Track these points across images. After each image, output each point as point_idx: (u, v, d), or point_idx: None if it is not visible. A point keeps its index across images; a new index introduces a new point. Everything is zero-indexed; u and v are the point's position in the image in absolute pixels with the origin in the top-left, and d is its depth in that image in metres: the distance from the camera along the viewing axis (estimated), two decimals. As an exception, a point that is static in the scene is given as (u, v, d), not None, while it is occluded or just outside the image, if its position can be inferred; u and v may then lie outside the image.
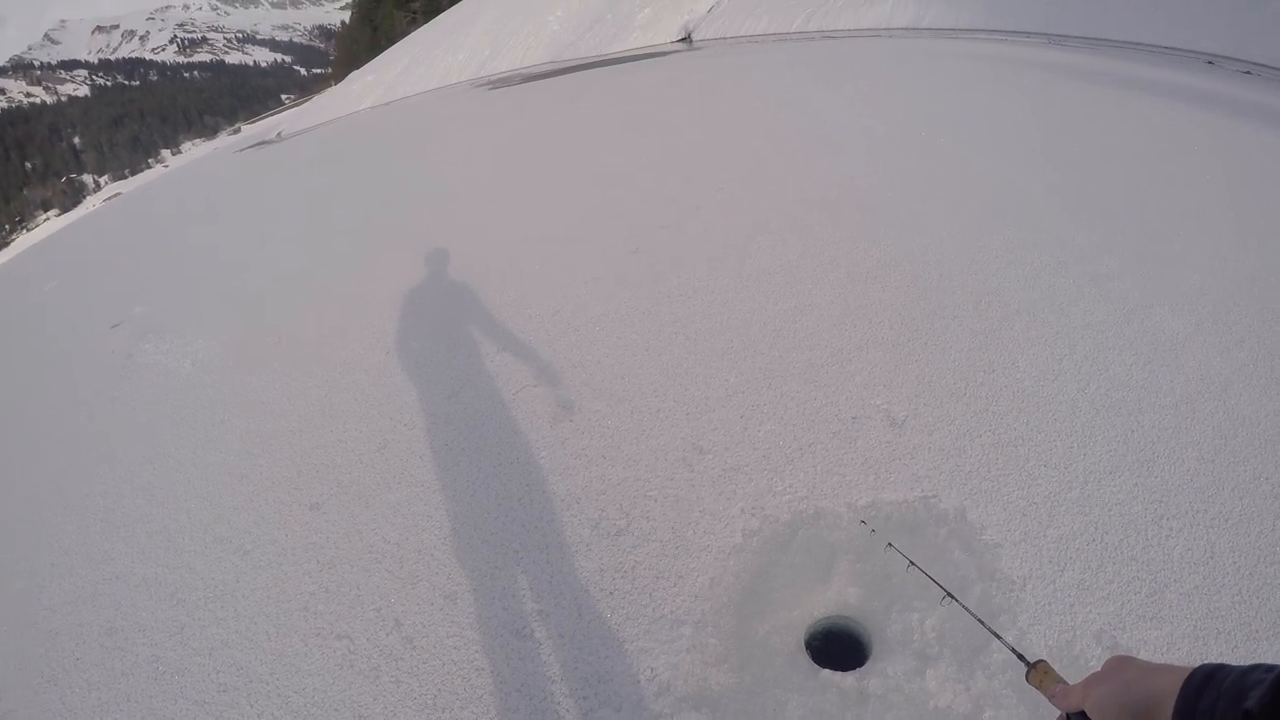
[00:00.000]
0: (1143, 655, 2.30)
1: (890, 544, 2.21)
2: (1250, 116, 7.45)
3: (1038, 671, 1.09)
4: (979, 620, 1.58)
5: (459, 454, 4.09)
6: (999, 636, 1.44)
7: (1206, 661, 0.73)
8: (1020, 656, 1.23)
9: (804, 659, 2.67)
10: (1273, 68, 9.63)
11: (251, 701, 2.92)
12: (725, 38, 19.61)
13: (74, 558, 4.05)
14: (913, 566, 1.97)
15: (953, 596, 1.71)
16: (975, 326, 4.36)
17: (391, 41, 41.07)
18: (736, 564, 3.06)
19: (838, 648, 2.74)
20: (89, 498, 4.59)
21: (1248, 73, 9.82)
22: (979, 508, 3.11)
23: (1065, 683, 0.99)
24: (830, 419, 3.80)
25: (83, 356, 7.06)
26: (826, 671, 2.59)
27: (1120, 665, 0.84)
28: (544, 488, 3.68)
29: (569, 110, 14.11)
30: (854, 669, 2.60)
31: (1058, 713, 0.96)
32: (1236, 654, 2.40)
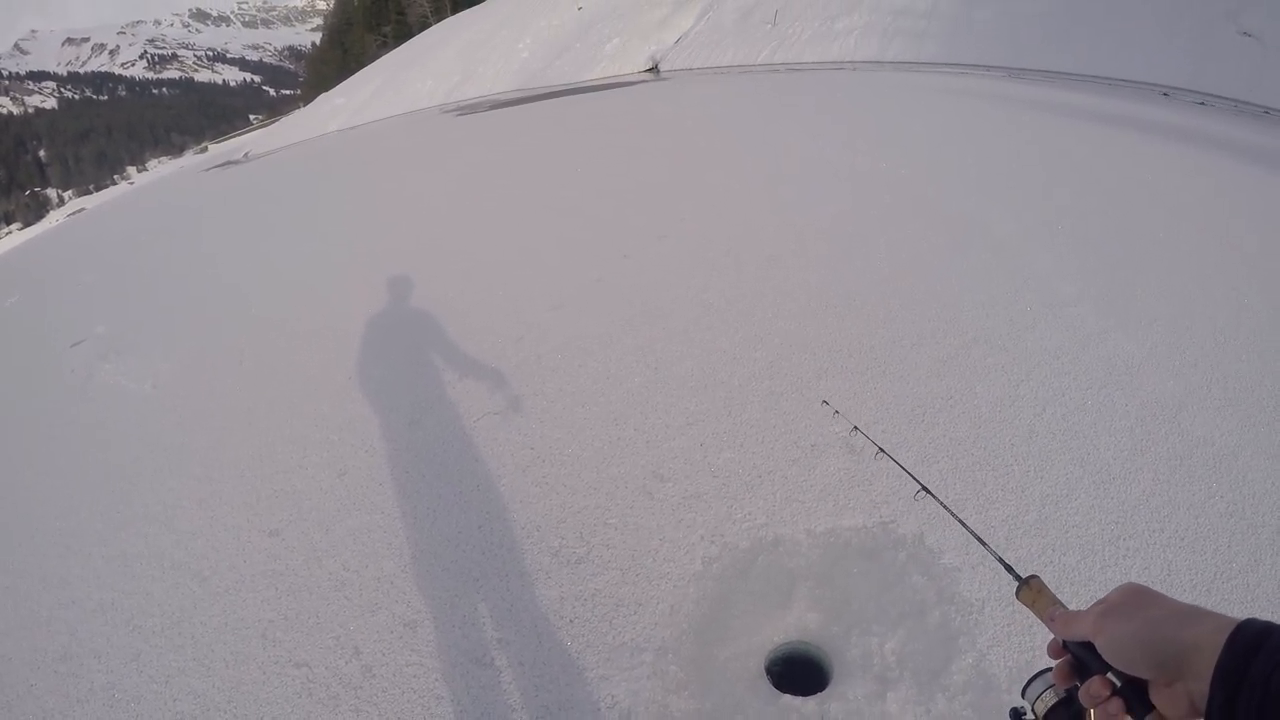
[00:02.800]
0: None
1: (856, 428, 2.17)
2: (1205, 145, 7.66)
3: (1030, 589, 1.01)
4: (961, 522, 1.47)
5: (419, 481, 4.04)
6: (985, 544, 1.36)
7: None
8: (1010, 569, 1.16)
9: (765, 685, 2.65)
10: (1226, 98, 9.91)
11: (207, 731, 2.86)
12: (692, 69, 19.80)
13: (28, 582, 3.93)
14: (882, 453, 1.93)
15: (927, 490, 1.62)
16: (934, 354, 4.39)
17: (361, 65, 41.04)
18: (697, 591, 3.04)
19: (799, 673, 2.72)
20: (44, 520, 4.47)
21: (1202, 103, 10.10)
22: (936, 532, 3.11)
23: (1063, 606, 0.91)
24: (789, 446, 3.80)
25: (41, 375, 6.90)
26: (787, 697, 2.57)
27: (1141, 598, 0.75)
28: (504, 515, 3.64)
29: (535, 138, 14.17)
30: (815, 694, 2.58)
31: (1048, 637, 0.85)
32: None
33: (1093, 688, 0.75)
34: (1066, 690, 0.85)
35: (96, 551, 4.05)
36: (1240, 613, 0.66)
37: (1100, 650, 0.75)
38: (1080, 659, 0.80)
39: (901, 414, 3.92)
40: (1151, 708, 0.70)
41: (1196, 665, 0.65)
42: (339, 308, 6.78)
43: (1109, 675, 0.75)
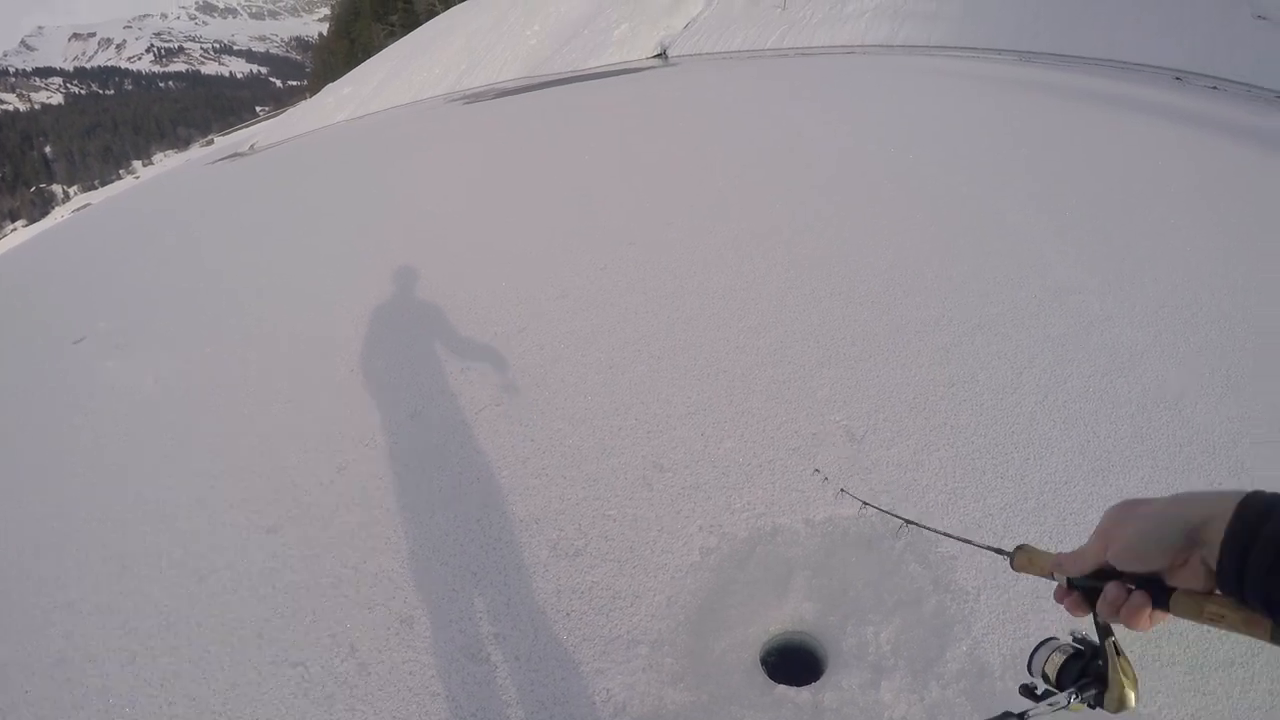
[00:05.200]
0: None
1: (844, 490, 2.20)
2: (1216, 130, 7.60)
3: (1023, 554, 1.02)
4: (946, 534, 1.49)
5: (419, 475, 4.07)
6: (971, 542, 1.36)
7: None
8: (998, 550, 1.17)
9: (760, 675, 2.67)
10: (1238, 82, 9.81)
11: (203, 732, 2.90)
12: (701, 54, 19.75)
13: (24, 585, 3.95)
14: (868, 506, 1.95)
15: (913, 522, 1.65)
16: (936, 342, 4.40)
17: (369, 54, 41.05)
18: (694, 582, 3.06)
19: (794, 663, 2.75)
20: (41, 520, 4.48)
21: (1214, 88, 10.00)
22: (934, 520, 3.12)
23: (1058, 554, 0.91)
24: (790, 435, 3.82)
25: (42, 373, 6.95)
26: (782, 687, 2.60)
27: (1133, 504, 0.77)
28: (503, 508, 3.67)
29: (541, 127, 14.13)
30: (809, 684, 2.61)
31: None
32: (1189, 653, 2.44)
33: (1109, 594, 0.77)
34: (1073, 645, 0.91)
35: (94, 553, 4.07)
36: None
37: (1113, 560, 0.77)
38: (1090, 588, 0.82)
39: (903, 402, 3.93)
40: (1172, 590, 0.72)
41: (1209, 535, 0.67)
42: (340, 300, 6.78)
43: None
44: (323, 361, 5.66)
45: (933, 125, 8.98)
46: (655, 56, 20.86)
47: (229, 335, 6.69)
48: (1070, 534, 2.97)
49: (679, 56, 20.30)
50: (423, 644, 3.01)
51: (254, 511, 4.07)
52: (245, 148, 28.19)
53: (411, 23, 46.18)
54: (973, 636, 2.63)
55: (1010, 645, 2.58)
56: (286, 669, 3.04)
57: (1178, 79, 10.57)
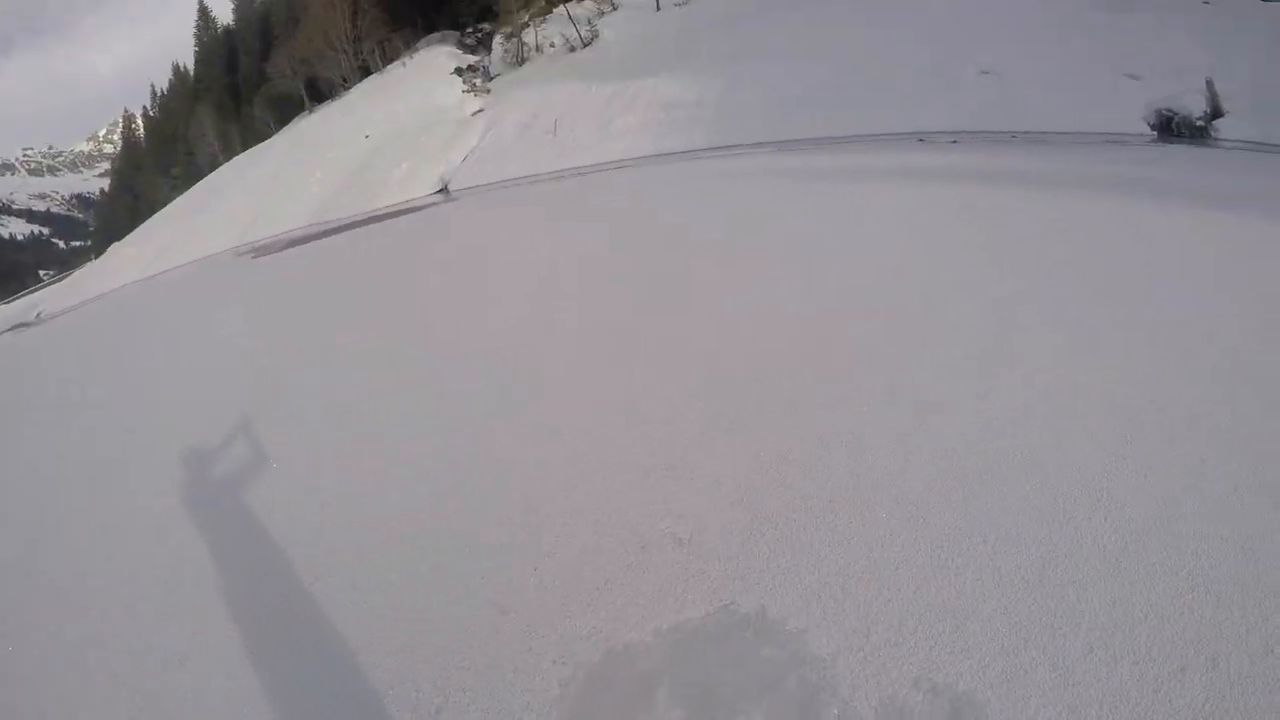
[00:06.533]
0: (958, 686, 2.68)
1: None
2: (955, 179, 8.91)
3: None
4: None
5: (268, 660, 3.86)
6: None
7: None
8: None
9: None
10: (974, 131, 11.50)
11: None
12: (479, 185, 20.46)
13: None
14: None
15: None
16: (754, 436, 4.70)
17: (153, 209, 39.95)
18: (559, 715, 3.05)
19: None
20: None
21: (954, 141, 11.61)
22: (777, 603, 3.30)
23: None
24: (621, 551, 3.94)
25: None
26: None
27: None
28: (361, 678, 3.55)
29: (325, 273, 14.20)
30: None
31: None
32: (1047, 657, 2.76)
33: None
34: None
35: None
36: None
37: None
38: None
39: (722, 496, 4.14)
40: None
41: None
42: (148, 476, 6.41)
43: None
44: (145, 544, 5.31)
45: (693, 221, 9.86)
46: (437, 191, 21.47)
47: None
48: (905, 584, 3.17)
49: (460, 189, 20.90)
50: None
51: None
52: (31, 316, 26.73)
53: (194, 174, 45.34)
54: (840, 699, 2.77)
55: (879, 695, 2.75)
56: None
57: (921, 140, 12.13)
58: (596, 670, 3.21)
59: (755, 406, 5.01)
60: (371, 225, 18.74)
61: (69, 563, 5.39)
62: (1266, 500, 3.31)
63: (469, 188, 20.65)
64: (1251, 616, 2.78)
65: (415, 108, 28.19)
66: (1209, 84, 10.98)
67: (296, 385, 7.99)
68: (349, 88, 39.68)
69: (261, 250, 20.80)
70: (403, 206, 20.67)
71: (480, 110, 25.68)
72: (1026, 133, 11.58)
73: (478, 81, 28.42)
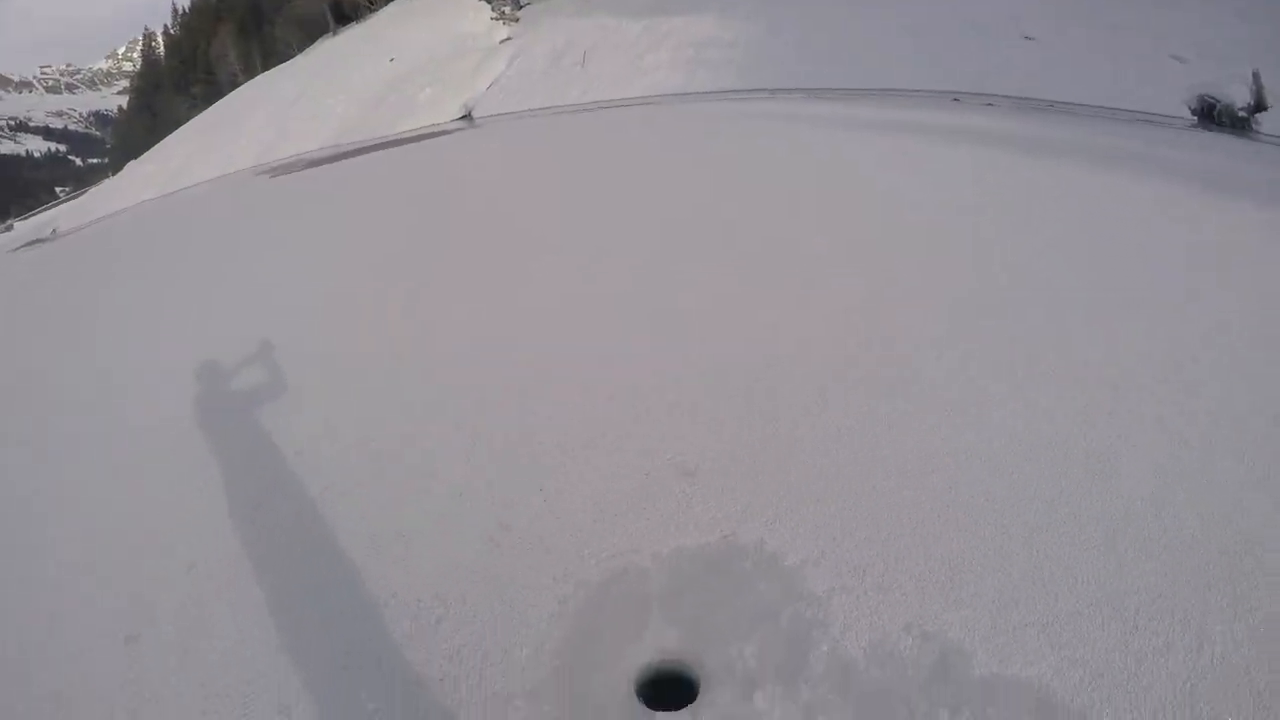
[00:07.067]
0: (948, 635, 2.70)
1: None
2: (990, 142, 8.62)
3: None
4: None
5: (271, 566, 3.92)
6: None
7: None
8: None
9: (637, 707, 2.73)
10: (1011, 96, 11.27)
11: None
12: (504, 114, 20.13)
13: None
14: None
15: None
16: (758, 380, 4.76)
17: (172, 128, 39.63)
18: (557, 630, 3.09)
19: (668, 689, 2.82)
20: None
21: (989, 104, 11.40)
22: (777, 537, 3.32)
23: None
24: (626, 477, 3.98)
25: None
26: (661, 714, 2.68)
27: None
28: (361, 588, 3.60)
29: (346, 201, 13.89)
30: (687, 706, 2.69)
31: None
32: (1037, 618, 2.77)
33: None
34: None
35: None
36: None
37: None
38: None
39: (729, 434, 4.23)
40: None
41: None
42: (165, 395, 6.33)
43: None
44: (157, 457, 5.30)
45: (721, 167, 9.57)
46: (461, 118, 21.23)
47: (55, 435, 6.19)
48: (905, 530, 3.27)
49: (484, 117, 20.65)
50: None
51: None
52: (47, 232, 26.71)
53: (214, 94, 44.88)
54: (831, 636, 2.80)
55: (870, 637, 2.78)
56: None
57: (956, 100, 11.91)
58: (595, 589, 3.27)
59: (768, 348, 5.02)
60: (393, 149, 18.45)
61: (75, 473, 5.45)
62: (1266, 497, 3.33)
63: (493, 115, 20.33)
64: (1242, 604, 2.80)
65: (442, 33, 27.71)
66: (1255, 75, 10.65)
67: (310, 301, 8.05)
68: (375, 10, 38.99)
69: (281, 170, 20.61)
70: (425, 131, 20.38)
71: (508, 38, 25.17)
72: (1066, 104, 11.33)
73: (506, 9, 27.75)
